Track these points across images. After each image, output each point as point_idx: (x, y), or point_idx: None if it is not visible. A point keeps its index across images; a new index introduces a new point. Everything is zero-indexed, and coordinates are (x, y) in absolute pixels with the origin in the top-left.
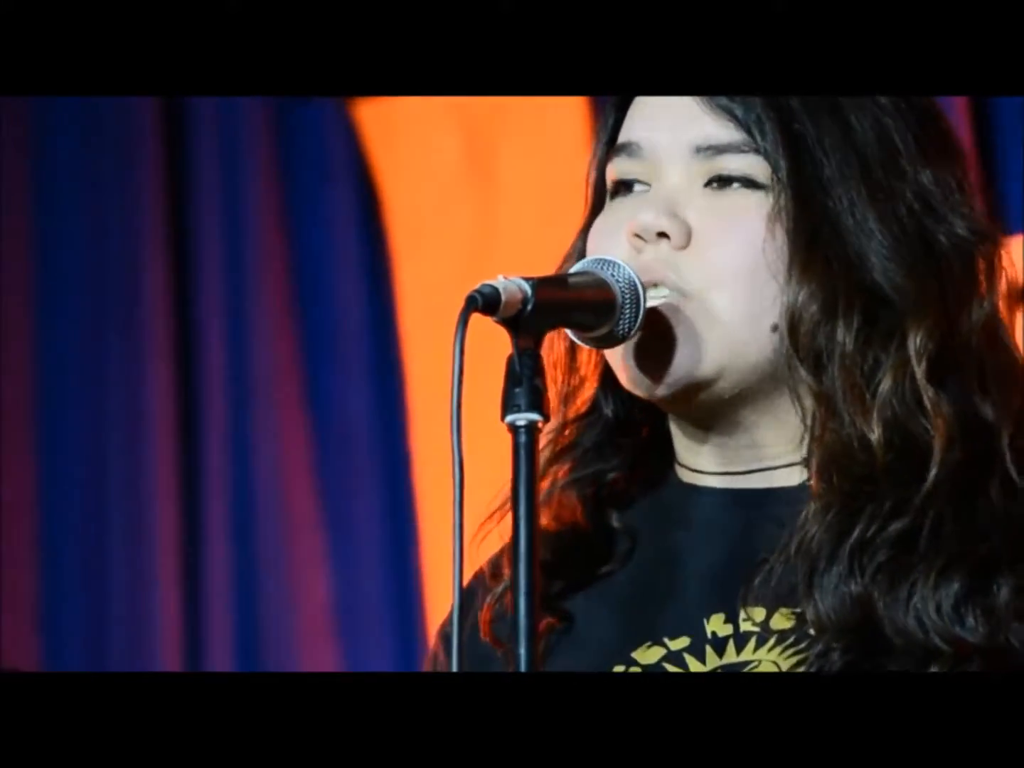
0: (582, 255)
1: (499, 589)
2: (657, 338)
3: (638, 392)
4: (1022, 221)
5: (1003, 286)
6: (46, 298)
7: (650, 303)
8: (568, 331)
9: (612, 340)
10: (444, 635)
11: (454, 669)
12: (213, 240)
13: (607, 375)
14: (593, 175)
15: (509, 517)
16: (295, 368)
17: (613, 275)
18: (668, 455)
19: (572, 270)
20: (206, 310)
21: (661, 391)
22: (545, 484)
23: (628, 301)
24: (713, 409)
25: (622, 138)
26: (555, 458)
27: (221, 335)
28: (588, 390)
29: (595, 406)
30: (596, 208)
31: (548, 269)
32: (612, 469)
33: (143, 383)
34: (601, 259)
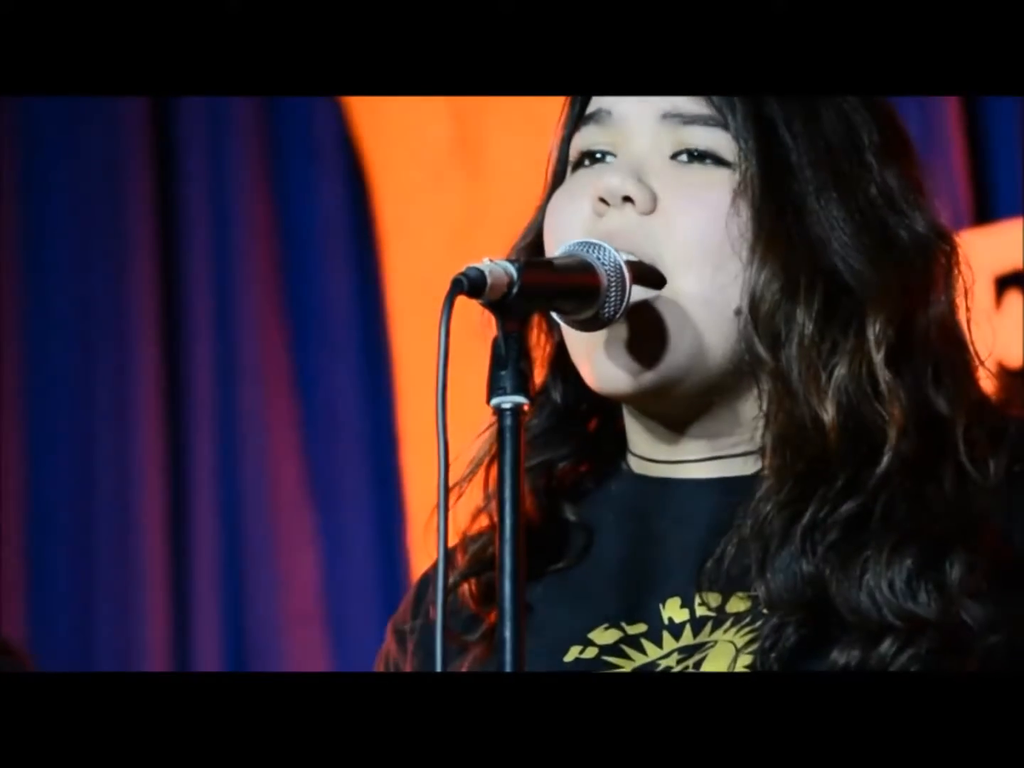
0: (539, 231)
1: (454, 580)
2: (626, 335)
3: (605, 391)
4: (1020, 206)
5: (960, 286)
6: (33, 288)
7: (635, 297)
8: (553, 314)
9: (597, 323)
10: (397, 630)
11: (438, 661)
12: (201, 225)
13: (557, 362)
14: (556, 152)
15: (474, 484)
16: (283, 352)
17: (599, 258)
18: (619, 446)
19: (558, 253)
20: (194, 295)
21: (632, 389)
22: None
23: (614, 284)
24: (680, 402)
25: (591, 107)
26: None
27: (209, 319)
28: (538, 376)
29: (543, 390)
30: (557, 182)
31: (536, 253)
32: (562, 459)
33: (131, 370)
34: (587, 242)
